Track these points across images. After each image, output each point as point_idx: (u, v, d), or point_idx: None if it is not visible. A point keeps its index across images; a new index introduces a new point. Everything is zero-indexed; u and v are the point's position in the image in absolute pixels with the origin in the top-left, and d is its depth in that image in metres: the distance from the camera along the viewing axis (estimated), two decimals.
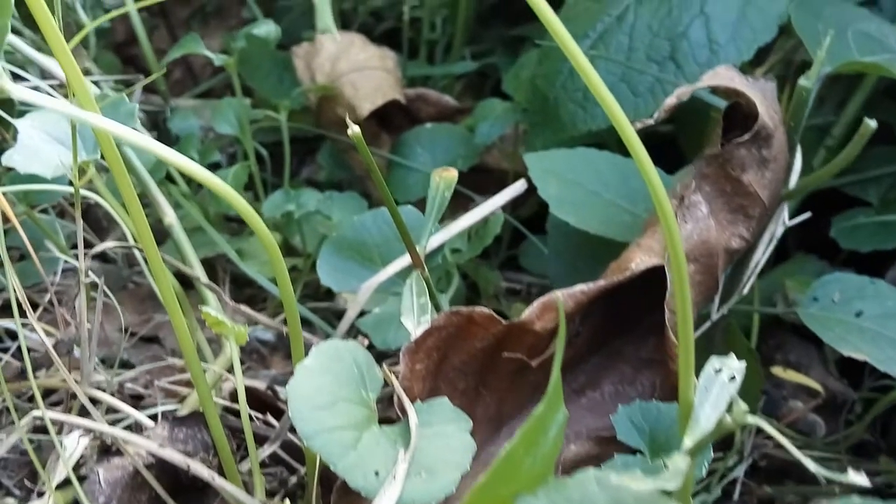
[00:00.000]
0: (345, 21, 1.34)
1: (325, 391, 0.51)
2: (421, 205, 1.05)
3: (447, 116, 1.13)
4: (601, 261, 0.80)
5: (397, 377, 0.59)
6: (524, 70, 1.07)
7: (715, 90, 0.64)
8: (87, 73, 1.11)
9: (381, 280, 0.70)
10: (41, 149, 0.65)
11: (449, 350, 0.61)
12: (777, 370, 0.85)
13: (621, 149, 1.01)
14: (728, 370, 0.44)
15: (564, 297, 0.60)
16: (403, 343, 0.69)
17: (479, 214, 0.74)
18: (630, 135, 0.45)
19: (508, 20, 1.36)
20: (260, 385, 0.80)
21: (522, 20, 1.35)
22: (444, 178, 0.63)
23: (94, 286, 0.93)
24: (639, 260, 0.61)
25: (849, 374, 0.93)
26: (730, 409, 0.41)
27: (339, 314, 1.04)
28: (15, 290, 0.55)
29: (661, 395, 0.65)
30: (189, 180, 1.11)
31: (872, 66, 0.72)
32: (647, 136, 0.63)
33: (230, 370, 0.73)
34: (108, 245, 0.60)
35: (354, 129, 0.54)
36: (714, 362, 0.44)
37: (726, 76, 0.62)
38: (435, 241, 0.72)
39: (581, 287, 0.60)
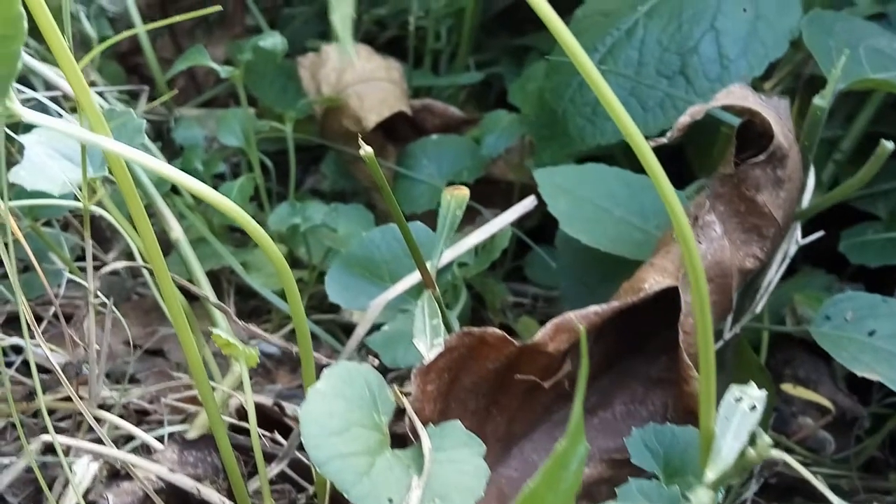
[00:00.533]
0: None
1: (337, 416, 0.50)
2: (427, 216, 1.05)
3: (453, 128, 1.12)
4: (611, 277, 0.79)
5: (408, 397, 0.58)
6: (530, 82, 1.06)
7: (729, 109, 0.63)
8: (92, 84, 1.10)
9: (390, 298, 0.70)
10: (47, 165, 0.65)
11: (460, 371, 0.61)
12: (787, 387, 0.85)
13: (629, 162, 1.01)
14: (748, 399, 0.43)
15: (578, 318, 0.59)
16: (413, 361, 0.69)
17: (489, 231, 0.73)
18: (647, 153, 0.45)
19: (513, 29, 1.36)
20: (266, 401, 0.79)
21: (527, 29, 1.34)
22: (455, 196, 0.63)
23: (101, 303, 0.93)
24: (652, 280, 0.61)
25: (858, 388, 0.92)
26: (752, 440, 0.40)
27: (345, 326, 1.03)
28: (25, 312, 0.54)
29: (673, 415, 0.64)
30: None
31: (885, 83, 0.72)
32: (652, 148, 0.62)
33: (238, 387, 0.72)
34: (117, 265, 0.59)
35: (367, 150, 0.53)
36: (734, 391, 0.44)
37: (740, 95, 0.62)
38: (444, 257, 0.71)
39: (595, 309, 0.60)
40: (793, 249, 0.69)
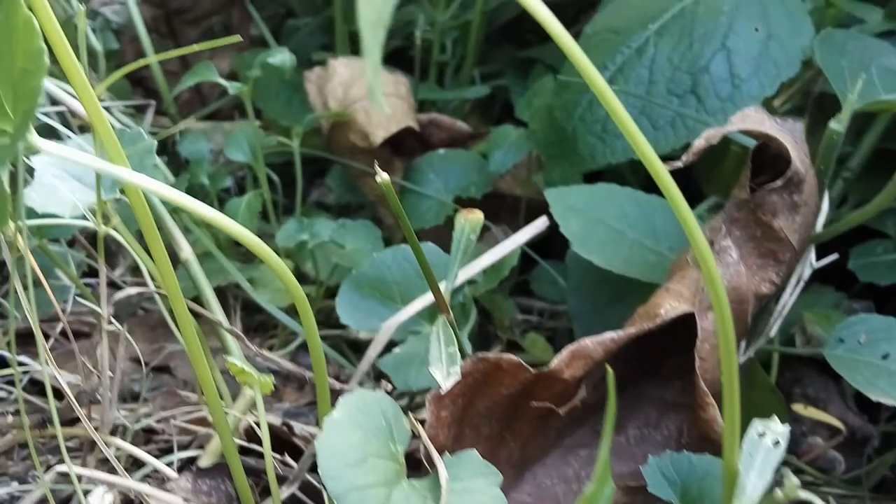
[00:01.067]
0: (353, 42, 1.34)
1: (354, 447, 0.50)
2: (434, 231, 1.05)
3: (459, 142, 1.12)
4: (621, 296, 0.79)
5: (423, 424, 0.58)
6: (538, 97, 1.06)
7: (745, 133, 0.63)
8: (98, 98, 1.09)
9: (401, 320, 0.69)
10: (58, 187, 0.64)
11: (475, 396, 0.60)
12: (798, 407, 0.84)
13: (637, 179, 1.01)
14: (772, 434, 0.43)
15: (594, 345, 0.59)
16: (425, 384, 0.68)
17: (501, 252, 0.73)
18: (665, 177, 0.45)
19: (517, 41, 1.36)
20: (275, 420, 0.79)
21: (531, 41, 1.34)
22: (470, 220, 0.62)
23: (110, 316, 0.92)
24: (668, 306, 0.60)
25: (867, 407, 0.92)
26: (777, 478, 0.40)
27: (352, 343, 1.03)
28: (40, 339, 0.53)
29: (688, 441, 0.64)
30: None
31: None
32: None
33: (250, 408, 0.72)
34: (130, 291, 0.59)
35: (383, 177, 0.53)
36: (757, 426, 0.43)
37: (756, 119, 0.62)
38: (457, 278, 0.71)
39: (611, 335, 0.59)
40: (807, 272, 0.69)
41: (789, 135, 0.62)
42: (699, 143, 0.62)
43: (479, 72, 1.30)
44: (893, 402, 0.66)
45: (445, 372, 0.55)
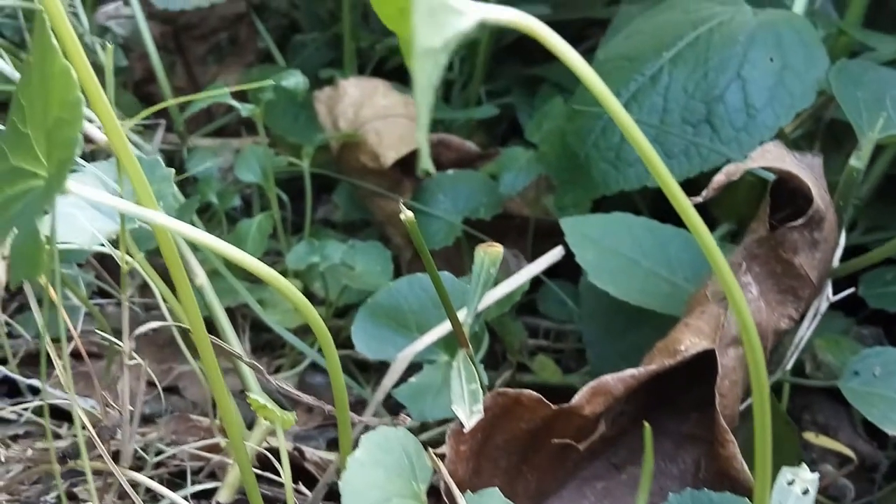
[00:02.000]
0: (361, 58, 1.34)
1: (377, 486, 0.50)
2: (443, 253, 1.05)
3: (468, 162, 1.12)
4: (636, 324, 0.79)
5: (442, 459, 0.58)
6: (547, 119, 1.06)
7: (766, 170, 0.63)
8: None
9: (417, 350, 0.69)
10: (76, 216, 0.64)
11: (494, 430, 0.60)
12: (810, 436, 0.84)
13: (648, 205, 1.01)
14: (801, 483, 0.43)
15: (615, 381, 0.59)
16: (441, 414, 0.68)
17: (517, 282, 0.73)
18: (690, 212, 0.45)
19: (523, 59, 1.36)
20: (286, 445, 0.79)
21: (538, 59, 1.34)
22: (490, 254, 0.62)
23: (117, 332, 0.92)
24: (688, 342, 0.60)
25: (876, 433, 0.92)
26: None
27: (360, 363, 1.03)
28: (65, 370, 0.53)
29: (706, 475, 0.64)
30: (209, 224, 1.11)
31: None
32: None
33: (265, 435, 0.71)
34: (152, 325, 0.58)
35: (408, 215, 0.53)
36: (786, 474, 0.43)
37: (776, 155, 0.62)
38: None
39: (632, 372, 0.59)
40: (824, 306, 0.69)
41: (809, 171, 0.63)
42: (719, 179, 0.62)
43: (485, 89, 1.30)
44: None
45: (468, 410, 0.55)
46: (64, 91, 0.37)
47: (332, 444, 0.88)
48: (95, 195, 0.41)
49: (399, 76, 1.36)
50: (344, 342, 1.04)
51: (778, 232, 0.60)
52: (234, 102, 0.94)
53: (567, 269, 0.96)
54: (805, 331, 0.69)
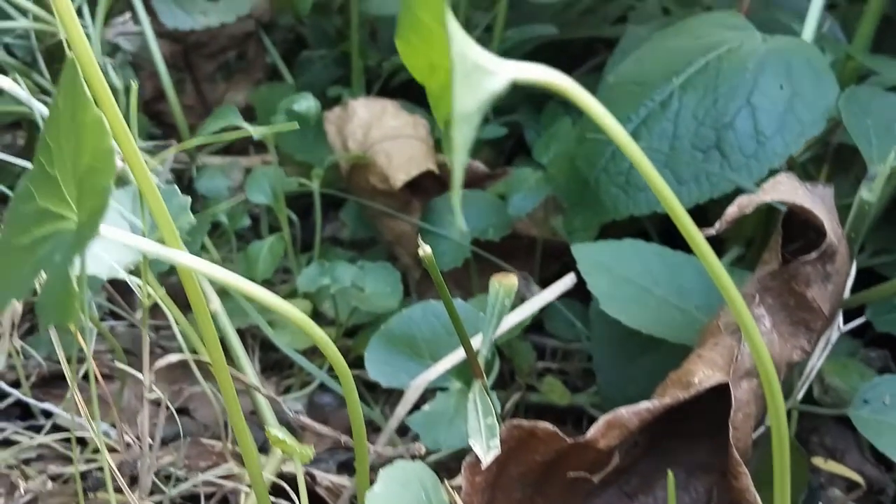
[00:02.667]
0: (369, 76, 1.34)
1: None
2: (452, 273, 1.06)
3: (476, 182, 1.12)
4: (647, 350, 0.80)
5: (458, 491, 0.58)
6: (555, 141, 1.07)
7: (779, 203, 0.64)
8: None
9: (431, 378, 0.70)
10: (93, 248, 0.65)
11: (509, 461, 0.61)
12: (818, 461, 0.85)
13: (657, 230, 1.02)
14: None
15: (629, 414, 0.59)
16: (454, 444, 0.69)
17: (530, 310, 0.73)
18: (701, 245, 0.45)
19: None
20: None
21: None
22: (504, 286, 0.63)
23: (128, 352, 0.92)
24: (702, 375, 0.61)
25: (882, 457, 0.92)
26: None
27: (369, 383, 1.03)
28: (92, 402, 0.54)
29: None
30: (218, 243, 1.11)
31: None
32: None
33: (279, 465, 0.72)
34: (171, 358, 0.59)
35: (426, 250, 0.53)
36: None
37: (789, 187, 0.62)
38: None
39: (646, 405, 0.60)
40: (835, 336, 0.69)
41: (821, 203, 0.63)
42: (732, 211, 0.63)
43: (491, 106, 1.30)
44: None
45: (486, 445, 0.55)
46: (97, 140, 0.37)
47: (343, 468, 0.89)
48: (123, 236, 0.41)
49: (406, 93, 1.36)
50: (353, 362, 1.04)
51: (791, 265, 0.61)
52: (246, 125, 0.94)
53: (574, 288, 0.97)
54: (816, 360, 0.69)
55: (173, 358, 0.58)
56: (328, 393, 1.04)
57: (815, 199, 0.63)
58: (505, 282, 0.63)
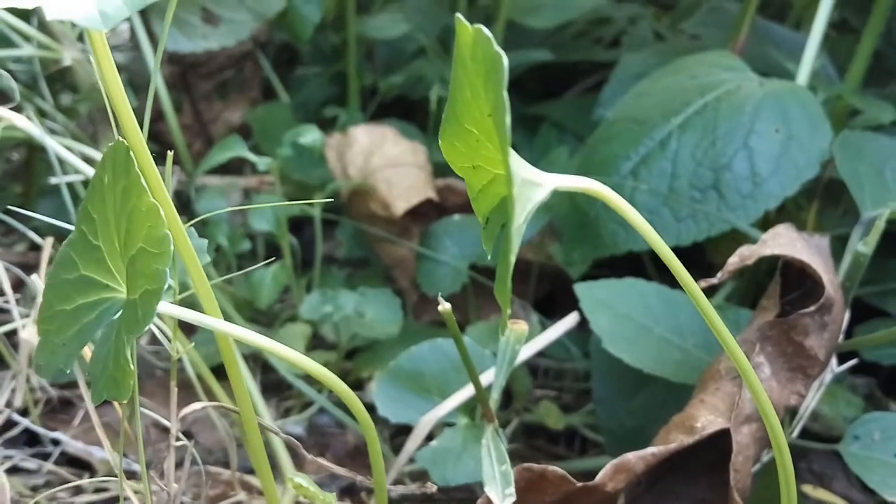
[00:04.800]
0: (364, 96, 1.36)
1: None
2: (449, 298, 1.08)
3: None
4: (646, 384, 0.82)
5: None
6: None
7: (780, 257, 0.66)
8: None
9: (440, 415, 0.72)
10: None
11: (519, 502, 0.63)
12: (808, 489, 0.88)
13: (655, 265, 1.04)
14: None
15: (636, 459, 0.62)
16: (462, 479, 0.71)
17: (535, 349, 0.76)
18: (701, 300, 0.48)
19: (523, 98, 1.38)
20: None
21: (537, 98, 1.37)
22: (515, 332, 0.65)
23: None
24: (705, 420, 0.63)
25: None
26: None
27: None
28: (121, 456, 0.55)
29: None
30: (219, 267, 1.12)
31: None
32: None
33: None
34: (197, 406, 0.60)
35: (445, 307, 0.56)
36: None
37: (787, 239, 0.65)
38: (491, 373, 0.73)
39: (652, 450, 0.62)
40: (829, 378, 0.72)
41: (818, 254, 0.66)
42: (734, 262, 0.65)
43: None
44: None
45: (501, 494, 0.57)
46: (152, 227, 0.39)
47: (345, 493, 0.91)
48: (169, 308, 0.43)
49: (399, 111, 1.38)
50: (353, 385, 1.06)
51: (790, 318, 0.64)
52: (251, 156, 0.96)
53: (563, 309, 0.99)
54: (810, 400, 0.72)
55: (198, 406, 0.60)
56: (326, 414, 1.06)
57: (813, 251, 0.65)
58: (515, 329, 0.66)
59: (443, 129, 0.40)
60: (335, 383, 0.50)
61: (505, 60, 0.32)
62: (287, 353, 0.47)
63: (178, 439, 0.66)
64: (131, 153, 0.40)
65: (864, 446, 0.75)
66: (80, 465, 0.88)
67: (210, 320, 0.45)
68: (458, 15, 0.34)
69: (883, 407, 0.98)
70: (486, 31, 0.33)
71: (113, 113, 0.41)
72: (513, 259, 0.32)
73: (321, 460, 0.62)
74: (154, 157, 1.21)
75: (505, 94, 0.31)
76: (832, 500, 0.88)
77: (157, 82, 1.11)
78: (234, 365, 0.50)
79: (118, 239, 0.42)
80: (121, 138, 0.42)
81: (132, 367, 0.39)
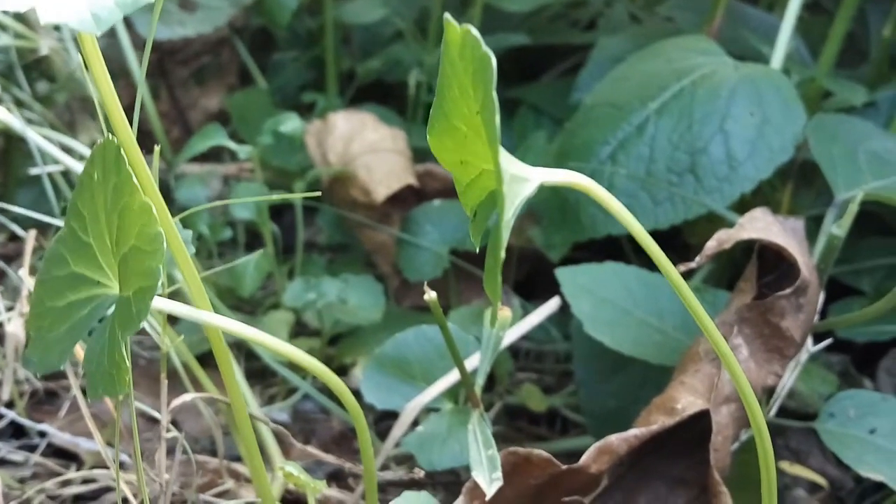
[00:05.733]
0: (342, 81, 1.36)
1: None
2: (430, 282, 1.09)
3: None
4: (625, 365, 0.84)
5: None
6: (530, 154, 1.10)
7: (756, 241, 0.68)
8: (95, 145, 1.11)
9: (426, 401, 0.73)
10: None
11: (505, 485, 0.64)
12: (784, 465, 0.90)
13: (633, 248, 1.05)
14: None
15: (619, 441, 0.63)
16: (448, 463, 0.72)
17: (517, 334, 0.77)
18: (680, 285, 0.49)
19: (499, 82, 1.38)
20: None
21: (514, 81, 1.37)
22: (499, 319, 0.66)
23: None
24: (685, 401, 0.65)
25: None
26: None
27: (352, 391, 1.06)
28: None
29: None
30: (200, 255, 1.13)
31: (887, 197, 0.77)
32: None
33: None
34: (186, 398, 0.61)
35: (431, 295, 0.57)
36: None
37: (764, 224, 0.66)
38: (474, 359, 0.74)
39: (634, 432, 0.64)
40: (804, 357, 0.74)
41: (793, 236, 0.67)
42: (711, 246, 0.67)
43: None
44: (881, 478, 0.71)
45: (489, 478, 0.58)
46: (144, 225, 0.39)
47: (331, 478, 0.92)
48: (161, 303, 0.44)
49: (376, 94, 1.38)
50: (336, 370, 1.07)
51: (767, 300, 0.65)
52: (232, 144, 0.96)
53: (542, 292, 1.00)
54: (787, 379, 0.74)
55: (188, 397, 0.61)
56: (310, 400, 1.06)
57: (788, 235, 0.67)
58: (500, 315, 0.67)
59: (430, 125, 0.41)
60: (324, 373, 0.51)
61: (493, 61, 0.33)
62: (277, 344, 0.48)
63: (167, 430, 0.66)
64: (122, 151, 0.41)
65: (839, 423, 0.77)
66: (67, 456, 0.88)
67: (204, 315, 0.45)
68: (447, 15, 0.35)
69: (857, 383, 1.00)
70: (474, 31, 0.34)
71: (101, 109, 0.41)
72: (502, 254, 0.33)
73: (310, 448, 0.63)
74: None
75: (494, 94, 0.32)
76: (809, 476, 0.90)
77: (134, 68, 1.11)
78: (225, 358, 0.51)
79: (109, 236, 0.43)
80: (110, 136, 0.42)
81: (127, 363, 0.40)
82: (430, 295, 0.57)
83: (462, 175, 0.42)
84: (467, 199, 0.43)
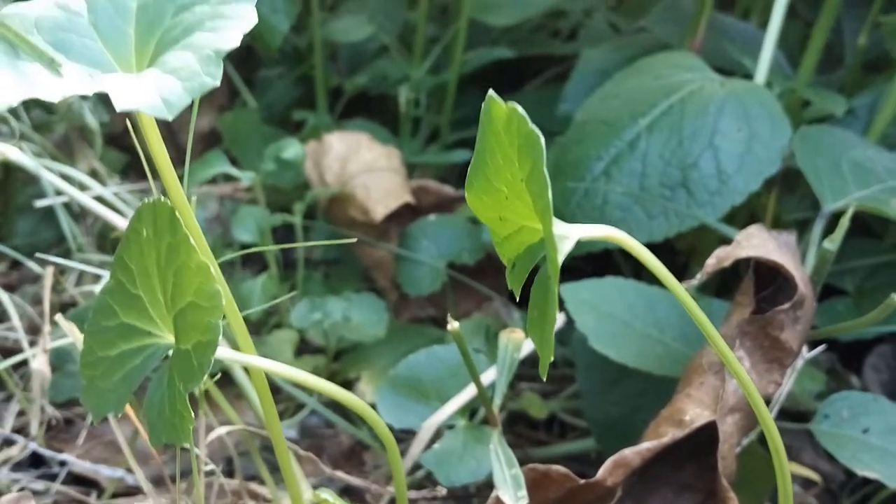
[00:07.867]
0: (332, 98, 1.38)
1: None
2: (429, 298, 1.12)
3: (446, 205, 1.18)
4: (628, 375, 0.87)
5: None
6: None
7: (754, 259, 0.71)
8: (94, 174, 1.13)
9: (441, 419, 0.76)
10: None
11: None
12: None
13: (626, 260, 1.09)
14: None
15: (633, 454, 0.66)
16: (465, 479, 0.75)
17: (524, 352, 0.80)
18: (688, 302, 0.52)
19: (481, 92, 1.41)
20: None
21: (503, 89, 1.40)
22: (512, 340, 0.69)
23: None
24: (692, 413, 0.68)
25: None
26: None
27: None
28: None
29: None
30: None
31: (872, 207, 0.80)
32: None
33: None
34: (222, 431, 0.63)
35: (453, 325, 0.59)
36: None
37: (759, 240, 0.70)
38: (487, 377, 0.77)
39: (647, 445, 0.67)
40: (800, 363, 0.78)
41: (788, 252, 0.71)
42: (711, 263, 0.70)
43: (451, 119, 1.35)
44: (875, 476, 0.75)
45: (514, 496, 0.61)
46: (202, 283, 0.42)
47: (344, 494, 0.94)
48: (232, 355, 0.46)
49: (363, 108, 1.41)
50: (341, 383, 1.10)
51: (767, 315, 0.69)
52: (236, 171, 0.98)
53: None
54: (784, 386, 0.77)
55: (224, 430, 0.63)
56: (316, 415, 1.09)
57: (783, 250, 0.70)
58: (513, 338, 0.70)
59: (469, 183, 0.44)
60: (349, 398, 0.53)
61: (541, 139, 0.35)
62: (298, 375, 0.51)
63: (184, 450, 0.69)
64: (177, 213, 0.43)
65: (833, 424, 0.81)
66: (87, 483, 0.90)
67: (252, 360, 0.48)
68: (492, 92, 0.38)
69: (844, 380, 1.04)
70: (520, 109, 0.37)
71: (152, 171, 0.44)
72: (555, 315, 0.36)
73: (339, 473, 0.65)
74: (125, 168, 1.22)
75: (545, 169, 0.35)
76: (803, 472, 0.94)
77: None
78: (268, 398, 0.53)
79: (163, 291, 0.45)
80: (164, 198, 0.45)
81: (191, 413, 0.42)
82: (453, 325, 0.60)
83: (500, 229, 0.45)
84: (505, 250, 0.46)
